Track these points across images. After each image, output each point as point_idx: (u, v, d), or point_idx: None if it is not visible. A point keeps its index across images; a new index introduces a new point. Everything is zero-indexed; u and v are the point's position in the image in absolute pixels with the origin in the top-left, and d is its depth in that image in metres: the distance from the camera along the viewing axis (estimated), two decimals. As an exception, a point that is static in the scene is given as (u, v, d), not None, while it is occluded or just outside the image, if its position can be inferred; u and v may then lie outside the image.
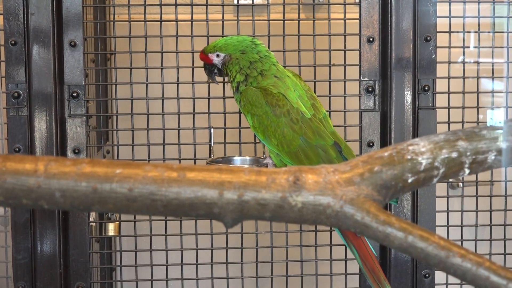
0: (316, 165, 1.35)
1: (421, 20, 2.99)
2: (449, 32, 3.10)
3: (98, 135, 3.67)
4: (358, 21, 3.03)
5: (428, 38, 2.99)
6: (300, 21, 3.09)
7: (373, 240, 1.32)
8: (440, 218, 3.14)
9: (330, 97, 3.11)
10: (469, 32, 3.14)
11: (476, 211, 3.18)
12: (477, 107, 3.15)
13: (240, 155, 3.07)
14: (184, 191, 1.32)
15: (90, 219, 3.10)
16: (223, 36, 3.07)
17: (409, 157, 1.36)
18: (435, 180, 1.39)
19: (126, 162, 1.36)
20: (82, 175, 1.33)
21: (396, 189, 1.35)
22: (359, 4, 3.02)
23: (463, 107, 3.12)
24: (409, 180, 1.36)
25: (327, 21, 3.13)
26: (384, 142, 3.03)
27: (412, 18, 2.99)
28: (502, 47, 3.12)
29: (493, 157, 1.41)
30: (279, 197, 1.31)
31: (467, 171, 1.40)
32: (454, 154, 1.39)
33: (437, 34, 3.02)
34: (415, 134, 3.01)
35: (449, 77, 3.11)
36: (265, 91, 2.62)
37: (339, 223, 1.31)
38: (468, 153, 1.39)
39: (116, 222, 3.43)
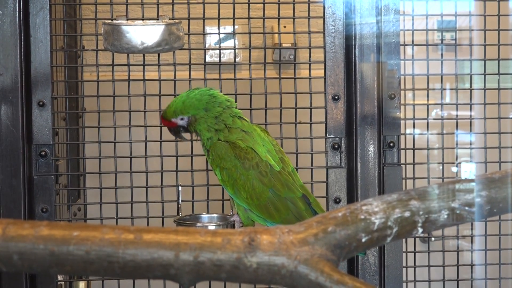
0: (271, 226, 1.37)
1: (385, 78, 3.05)
2: (413, 89, 3.16)
3: (68, 193, 3.67)
4: (323, 79, 3.08)
5: (393, 96, 3.04)
6: (267, 80, 3.13)
7: (328, 299, 1.33)
8: (420, 272, 3.18)
9: (296, 154, 3.14)
10: (433, 89, 3.20)
11: (443, 266, 3.20)
12: (442, 163, 3.19)
13: (208, 212, 3.08)
14: (141, 253, 1.33)
15: (59, 278, 3.09)
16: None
17: (362, 217, 1.39)
18: (389, 239, 1.41)
19: (84, 224, 1.38)
20: (40, 238, 1.34)
21: (350, 249, 1.38)
22: (324, 62, 3.07)
23: (428, 163, 3.16)
24: (363, 240, 1.38)
25: (293, 79, 3.18)
26: (351, 198, 3.05)
27: (376, 76, 3.04)
28: (467, 103, 3.18)
29: (446, 216, 1.44)
30: (234, 258, 1.33)
31: (420, 230, 1.43)
32: (407, 214, 1.41)
33: (401, 91, 3.08)
34: (381, 190, 3.04)
35: (413, 134, 3.16)
36: (233, 144, 2.64)
37: (293, 283, 1.33)
38: (421, 212, 1.42)
39: (85, 281, 3.42)
